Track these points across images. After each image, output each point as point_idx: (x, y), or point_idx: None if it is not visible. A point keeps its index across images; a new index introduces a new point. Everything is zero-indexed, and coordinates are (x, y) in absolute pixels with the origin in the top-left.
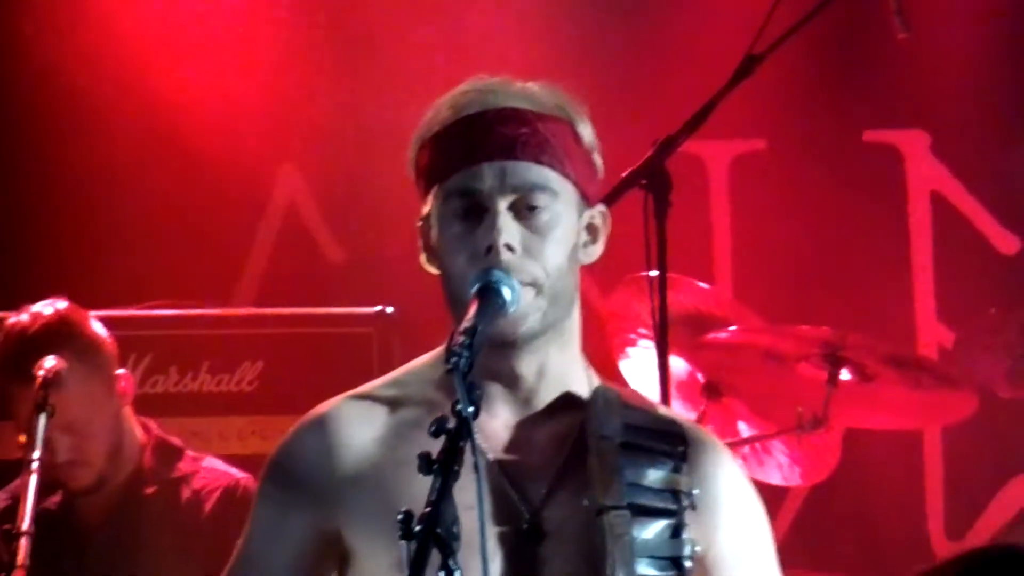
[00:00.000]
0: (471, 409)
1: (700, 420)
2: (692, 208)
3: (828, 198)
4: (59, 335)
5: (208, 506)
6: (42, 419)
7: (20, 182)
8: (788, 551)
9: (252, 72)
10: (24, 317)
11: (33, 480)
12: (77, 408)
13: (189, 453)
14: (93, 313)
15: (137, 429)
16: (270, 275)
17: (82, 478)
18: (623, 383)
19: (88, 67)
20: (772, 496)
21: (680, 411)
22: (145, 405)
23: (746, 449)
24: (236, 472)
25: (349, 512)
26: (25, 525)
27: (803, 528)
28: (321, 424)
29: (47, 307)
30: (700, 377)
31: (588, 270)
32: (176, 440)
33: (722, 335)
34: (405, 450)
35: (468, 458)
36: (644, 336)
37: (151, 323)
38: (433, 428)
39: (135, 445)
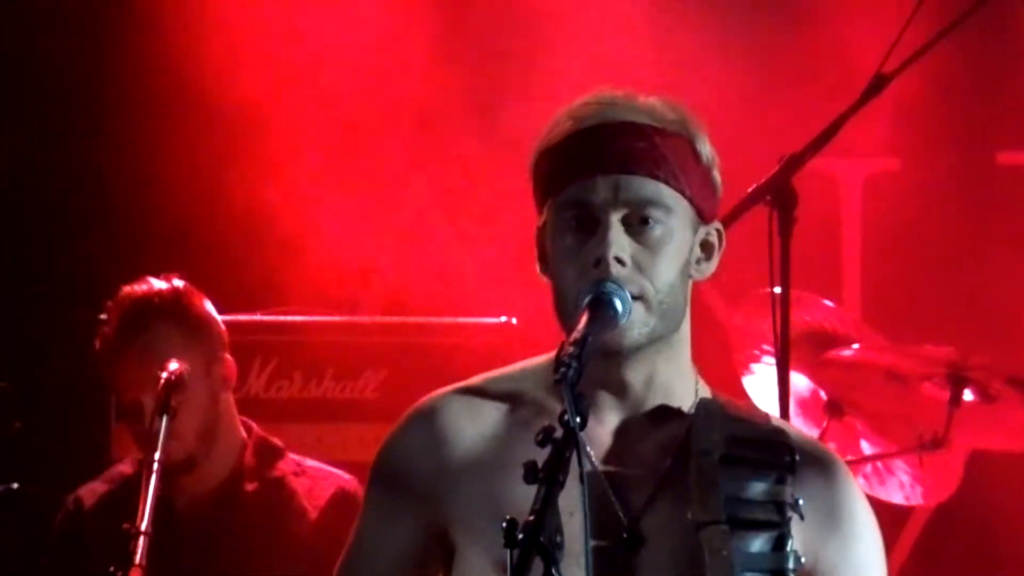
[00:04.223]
0: (579, 420)
1: (821, 437)
2: (823, 226)
3: (960, 219)
4: (171, 304)
5: (316, 509)
6: (164, 421)
7: (152, 189)
8: (911, 572)
9: (385, 81)
10: (140, 286)
11: (153, 481)
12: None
13: (291, 455)
14: (220, 317)
15: (239, 425)
16: (397, 284)
17: (171, 452)
18: (744, 397)
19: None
20: (894, 516)
21: (800, 426)
22: (269, 410)
23: (868, 468)
24: (343, 474)
25: (455, 508)
26: (144, 525)
27: (925, 550)
28: (428, 417)
29: (163, 280)
30: (823, 395)
31: (715, 284)
32: (277, 441)
33: (845, 353)
34: (514, 450)
35: (573, 467)
36: (767, 352)
37: (277, 329)
38: (540, 437)
39: (235, 438)
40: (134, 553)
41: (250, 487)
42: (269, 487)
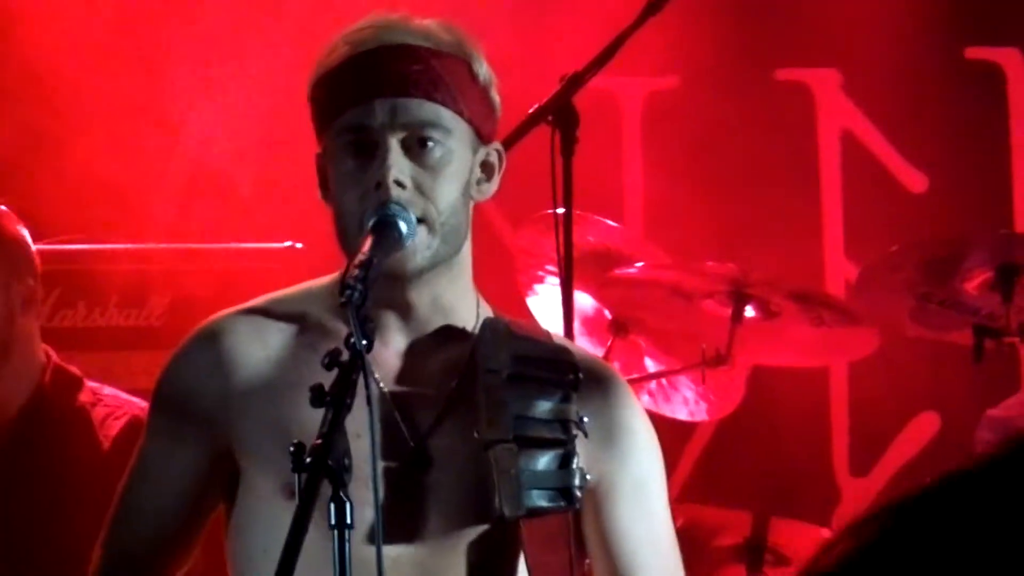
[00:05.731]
0: (365, 343)
1: (606, 356)
2: (605, 146)
3: (739, 135)
4: None
5: (108, 439)
6: None
7: None
8: (694, 486)
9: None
10: None
11: None
12: None
13: (89, 383)
14: None
15: (39, 352)
16: (182, 210)
17: None
18: (529, 317)
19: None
20: (679, 432)
21: (585, 345)
22: (53, 339)
23: (652, 385)
24: (138, 402)
25: (240, 431)
26: None
27: (709, 464)
28: (212, 339)
29: None
30: (607, 313)
31: (499, 206)
32: (75, 369)
33: (628, 271)
34: (300, 372)
35: (361, 389)
36: (551, 273)
37: (60, 257)
38: (327, 360)
39: (36, 363)
40: None
41: (50, 419)
42: (70, 419)
